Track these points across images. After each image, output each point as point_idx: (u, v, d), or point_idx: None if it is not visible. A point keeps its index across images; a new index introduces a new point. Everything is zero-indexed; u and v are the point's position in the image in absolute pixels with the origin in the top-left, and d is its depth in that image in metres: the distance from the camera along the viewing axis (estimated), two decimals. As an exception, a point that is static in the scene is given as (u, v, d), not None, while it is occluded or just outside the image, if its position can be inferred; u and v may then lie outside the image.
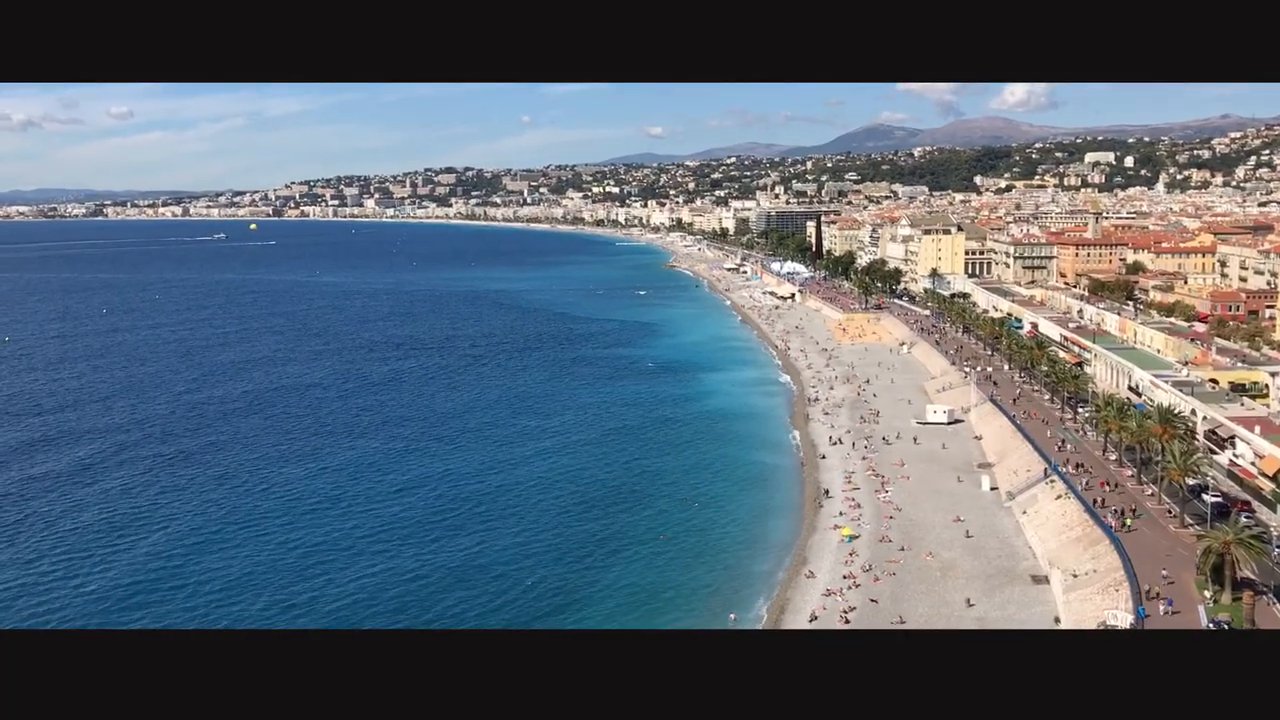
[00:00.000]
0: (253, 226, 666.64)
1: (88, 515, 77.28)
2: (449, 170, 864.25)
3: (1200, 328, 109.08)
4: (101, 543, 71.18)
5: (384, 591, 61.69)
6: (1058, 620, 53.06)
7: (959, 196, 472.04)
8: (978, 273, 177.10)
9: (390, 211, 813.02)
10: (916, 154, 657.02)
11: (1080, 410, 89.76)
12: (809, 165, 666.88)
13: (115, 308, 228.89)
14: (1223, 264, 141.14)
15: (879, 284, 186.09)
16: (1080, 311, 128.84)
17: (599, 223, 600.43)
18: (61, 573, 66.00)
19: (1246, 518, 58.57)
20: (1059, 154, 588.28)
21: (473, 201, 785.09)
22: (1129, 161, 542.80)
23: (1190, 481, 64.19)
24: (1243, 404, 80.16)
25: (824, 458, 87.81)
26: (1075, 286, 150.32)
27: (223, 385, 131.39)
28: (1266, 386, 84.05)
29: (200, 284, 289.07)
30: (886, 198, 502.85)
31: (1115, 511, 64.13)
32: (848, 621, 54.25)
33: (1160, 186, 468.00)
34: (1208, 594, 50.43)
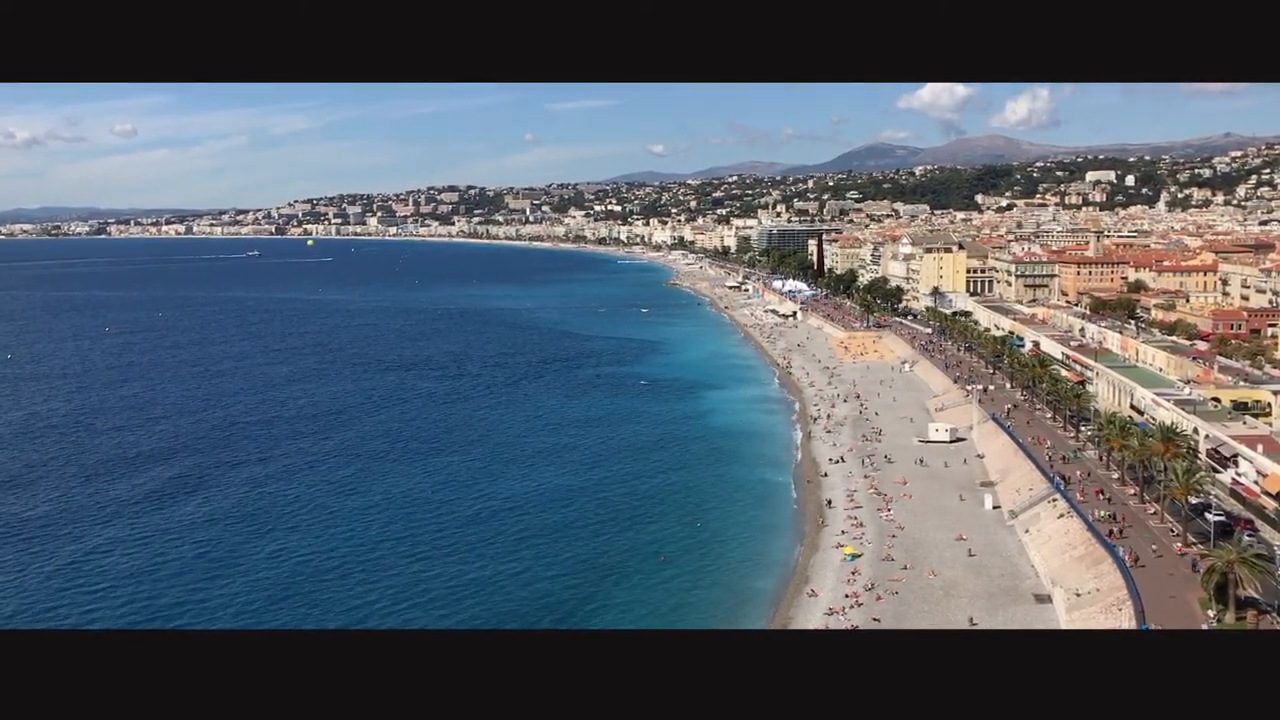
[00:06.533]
0: (310, 243, 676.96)
1: (111, 528, 77.39)
2: (452, 188, 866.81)
3: (1202, 346, 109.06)
4: (112, 554, 71.23)
5: (375, 608, 61.55)
6: (1061, 639, 52.89)
7: (960, 215, 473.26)
8: (979, 291, 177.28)
9: (393, 230, 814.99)
10: (918, 172, 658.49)
11: (1082, 428, 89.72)
12: (810, 184, 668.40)
13: (123, 327, 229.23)
14: (1224, 282, 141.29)
15: (880, 302, 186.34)
16: (1082, 330, 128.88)
17: (601, 241, 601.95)
18: (86, 580, 66.77)
19: (1250, 536, 58.47)
20: (1060, 172, 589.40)
21: (475, 219, 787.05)
22: (1130, 180, 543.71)
23: (1193, 500, 64.09)
24: (1245, 422, 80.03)
25: (826, 476, 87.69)
26: (1077, 305, 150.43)
27: (237, 404, 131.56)
28: (1269, 405, 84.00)
29: (210, 301, 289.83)
30: (888, 216, 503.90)
31: (1110, 517, 64.98)
32: (850, 640, 54.10)
33: (1161, 205, 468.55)
34: (1211, 613, 50.26)
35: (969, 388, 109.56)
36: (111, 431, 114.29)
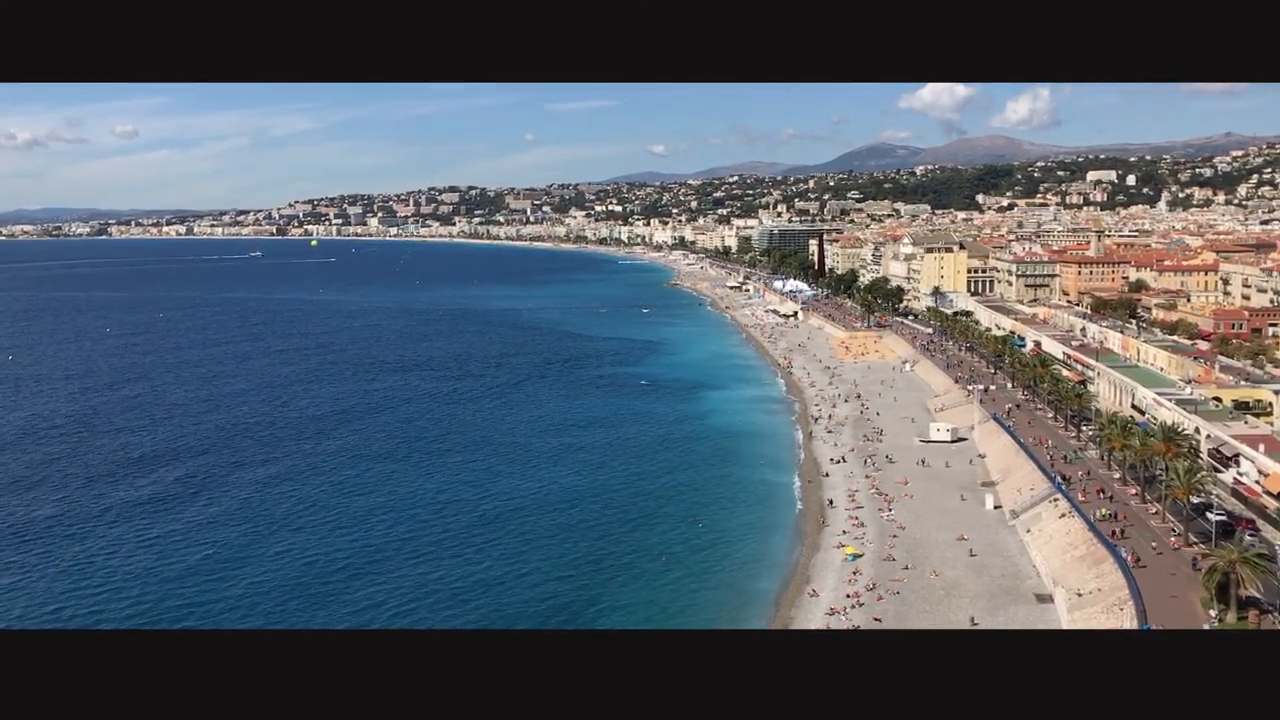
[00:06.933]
0: (314, 243, 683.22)
1: (116, 529, 77.56)
2: (453, 189, 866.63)
3: (1203, 346, 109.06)
4: (117, 557, 71.35)
5: (383, 609, 61.60)
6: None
7: (961, 215, 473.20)
8: (980, 291, 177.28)
9: (394, 230, 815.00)
10: (919, 172, 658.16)
11: (1083, 428, 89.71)
12: (811, 184, 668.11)
13: (125, 328, 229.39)
14: (1225, 282, 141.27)
15: (881, 302, 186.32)
16: (1083, 329, 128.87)
17: (602, 241, 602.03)
18: (93, 580, 67.35)
19: (1251, 535, 58.47)
20: (1061, 172, 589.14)
21: (476, 220, 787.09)
22: (1131, 180, 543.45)
23: (1194, 500, 64.09)
24: (1246, 422, 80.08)
25: (827, 476, 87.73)
26: (1078, 304, 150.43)
27: (241, 405, 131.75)
28: (1270, 404, 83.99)
29: (211, 302, 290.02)
30: (889, 216, 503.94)
31: (1110, 517, 65.50)
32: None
33: (1162, 205, 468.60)
34: (1213, 613, 50.27)
35: (970, 388, 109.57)
36: (115, 433, 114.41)
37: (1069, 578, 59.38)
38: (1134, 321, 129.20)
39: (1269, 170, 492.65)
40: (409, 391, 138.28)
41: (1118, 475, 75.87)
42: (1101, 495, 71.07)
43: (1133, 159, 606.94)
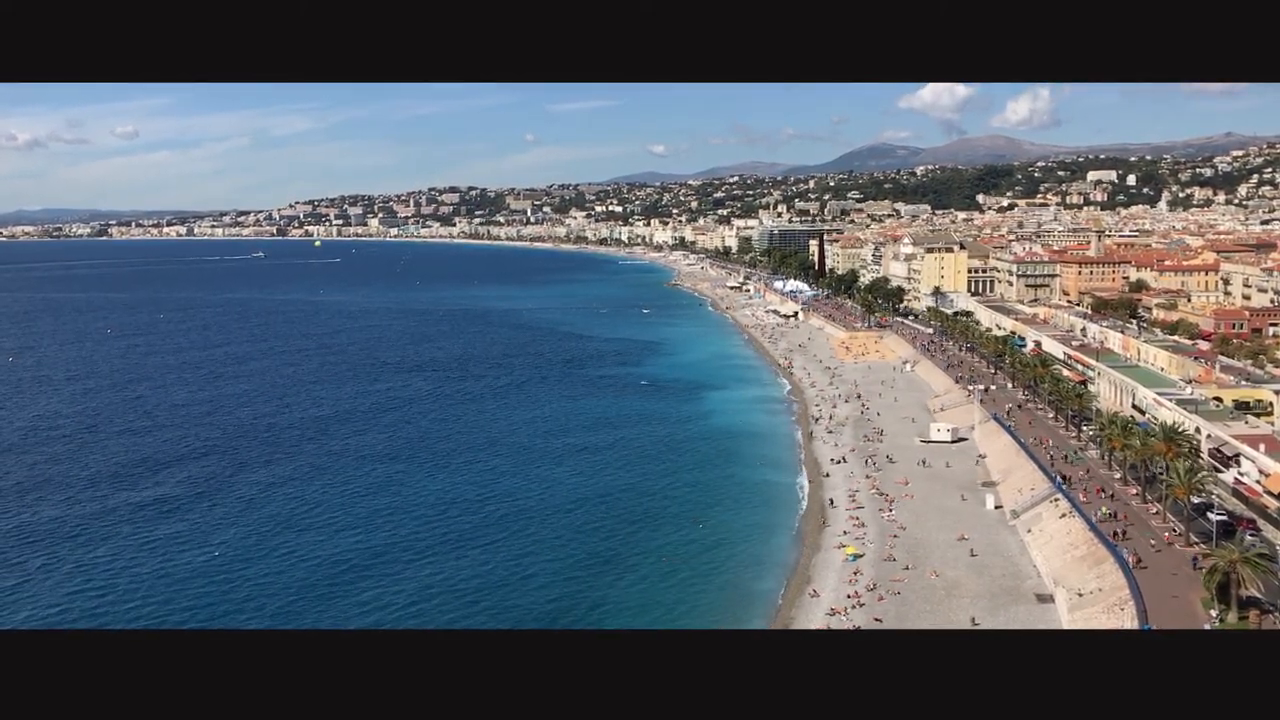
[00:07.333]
0: (317, 244, 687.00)
1: (120, 530, 77.61)
2: (453, 189, 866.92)
3: (1204, 346, 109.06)
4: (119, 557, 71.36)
5: (390, 610, 61.61)
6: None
7: (961, 215, 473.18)
8: (980, 291, 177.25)
9: (394, 231, 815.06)
10: (919, 172, 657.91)
11: (1084, 428, 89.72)
12: (811, 184, 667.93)
13: (126, 328, 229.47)
14: (1226, 282, 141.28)
15: (882, 302, 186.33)
16: (1083, 329, 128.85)
17: (602, 241, 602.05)
18: (97, 581, 67.50)
19: (1252, 536, 58.45)
20: (1061, 172, 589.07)
21: (476, 220, 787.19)
22: (1131, 180, 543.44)
23: (1195, 500, 64.08)
24: (1247, 422, 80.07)
25: (827, 476, 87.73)
26: (1078, 305, 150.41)
27: (243, 407, 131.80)
28: (1271, 404, 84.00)
29: (212, 303, 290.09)
30: (889, 216, 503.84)
31: (1111, 516, 65.57)
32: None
33: (1163, 204, 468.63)
34: (1214, 613, 50.26)
35: (970, 388, 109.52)
36: (118, 434, 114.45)
37: (1069, 578, 59.38)
38: (1134, 321, 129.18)
39: (1269, 170, 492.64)
40: (411, 392, 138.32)
41: (1118, 475, 75.87)
42: (1102, 495, 71.15)
43: (1133, 159, 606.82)
